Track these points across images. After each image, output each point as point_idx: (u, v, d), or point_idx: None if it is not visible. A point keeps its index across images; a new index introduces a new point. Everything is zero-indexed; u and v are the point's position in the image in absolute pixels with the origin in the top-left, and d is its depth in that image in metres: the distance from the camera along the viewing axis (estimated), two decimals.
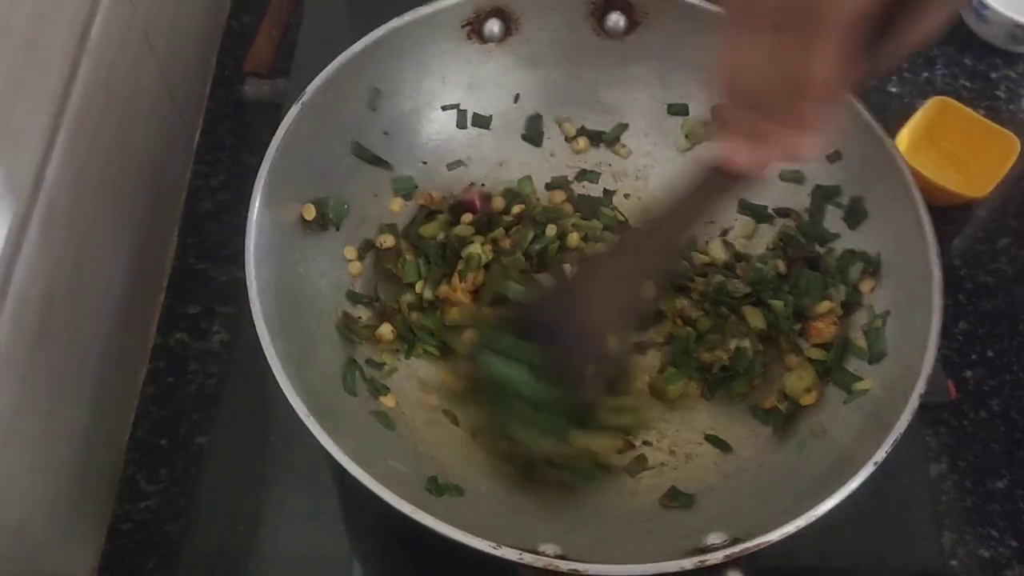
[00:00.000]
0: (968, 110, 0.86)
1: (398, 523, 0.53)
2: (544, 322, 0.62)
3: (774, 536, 0.53)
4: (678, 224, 0.59)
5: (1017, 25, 0.91)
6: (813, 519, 0.53)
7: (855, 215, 0.71)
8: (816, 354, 0.68)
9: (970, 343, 0.80)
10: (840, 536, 0.68)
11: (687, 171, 0.58)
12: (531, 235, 0.72)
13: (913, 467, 0.72)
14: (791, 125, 0.49)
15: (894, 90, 0.93)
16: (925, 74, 0.94)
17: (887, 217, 0.69)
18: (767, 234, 0.75)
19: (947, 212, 0.84)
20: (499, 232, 0.73)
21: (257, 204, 0.62)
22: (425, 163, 0.77)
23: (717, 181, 0.56)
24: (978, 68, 0.95)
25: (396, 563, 0.70)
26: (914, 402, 0.57)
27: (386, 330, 0.70)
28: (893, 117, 0.87)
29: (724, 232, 0.77)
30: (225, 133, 0.88)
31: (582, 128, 0.79)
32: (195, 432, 0.74)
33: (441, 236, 0.73)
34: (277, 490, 0.71)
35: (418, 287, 0.72)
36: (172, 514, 0.71)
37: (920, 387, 0.58)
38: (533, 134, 0.79)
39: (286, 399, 0.56)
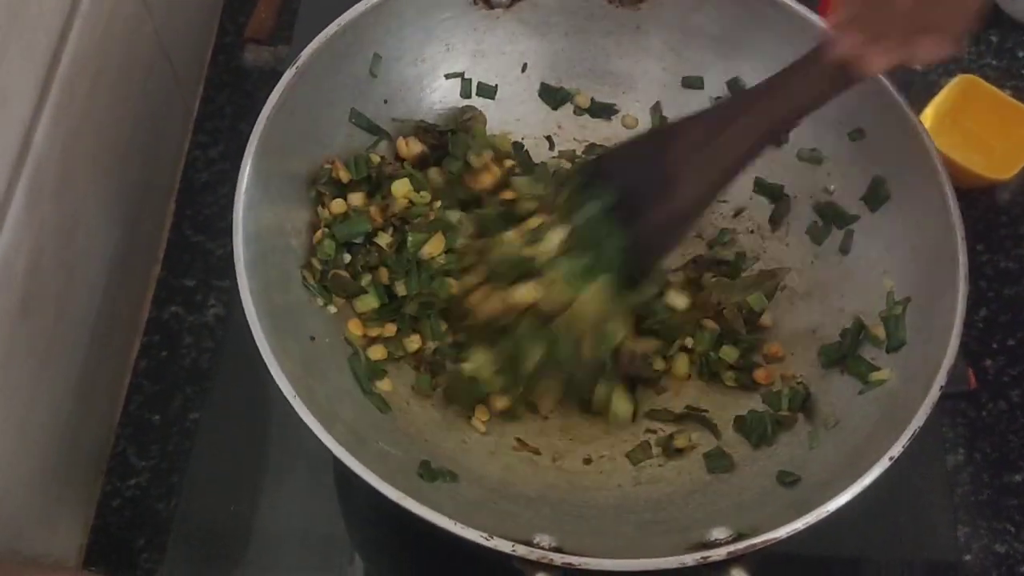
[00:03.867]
0: (994, 89, 0.84)
1: (392, 505, 0.52)
2: (630, 163, 0.62)
3: (781, 533, 0.51)
4: (778, 107, 0.58)
5: None
6: (823, 515, 0.51)
7: (876, 196, 0.69)
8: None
9: (990, 331, 0.78)
10: (851, 526, 0.66)
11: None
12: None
13: (929, 458, 0.71)
14: (927, 28, 0.49)
15: (918, 67, 0.90)
16: None
17: (911, 199, 0.67)
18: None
19: (969, 194, 0.81)
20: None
21: (247, 173, 0.60)
22: None
23: (831, 77, 0.55)
24: (1005, 46, 0.92)
25: (391, 544, 0.69)
26: (934, 394, 0.55)
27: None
28: (917, 96, 0.84)
29: (738, 212, 0.75)
30: (224, 101, 0.86)
31: (592, 100, 0.77)
32: (188, 408, 0.73)
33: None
34: (271, 468, 0.70)
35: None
36: (163, 491, 0.70)
37: (941, 379, 0.56)
38: (549, 98, 0.77)
39: (277, 382, 0.55)
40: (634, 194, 0.61)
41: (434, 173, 0.72)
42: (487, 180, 0.72)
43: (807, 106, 0.58)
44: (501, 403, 0.66)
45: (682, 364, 0.69)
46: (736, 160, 0.61)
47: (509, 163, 0.74)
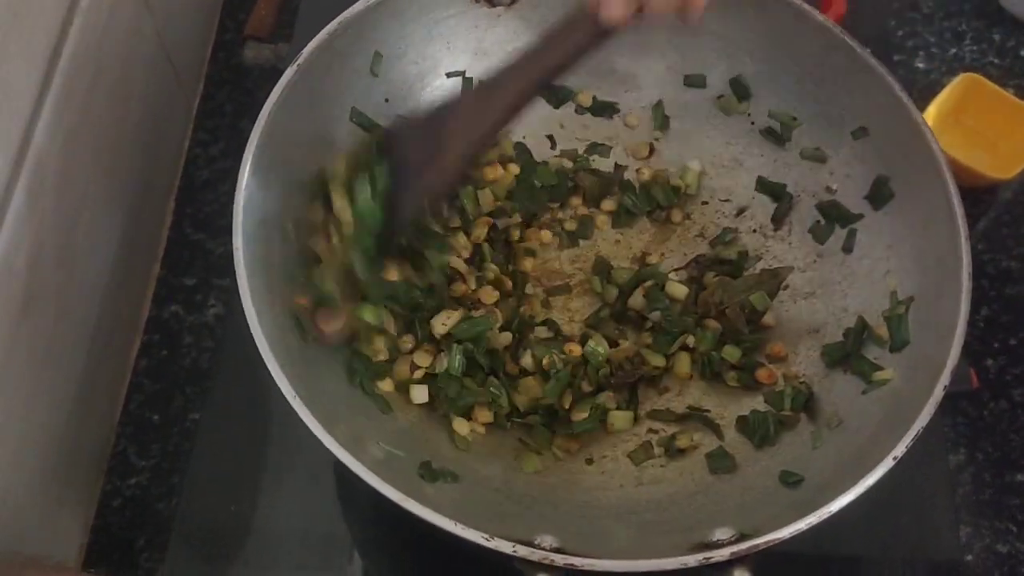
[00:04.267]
0: (997, 88, 0.83)
1: (393, 505, 0.52)
2: (403, 142, 0.62)
3: (784, 533, 0.50)
4: (536, 71, 0.60)
5: None
6: (826, 516, 0.51)
7: (880, 195, 0.69)
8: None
9: (992, 330, 0.78)
10: (853, 526, 0.66)
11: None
12: None
13: (932, 458, 0.70)
14: None
15: (921, 66, 0.90)
16: (953, 50, 0.91)
17: (915, 198, 0.66)
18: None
19: (971, 193, 0.81)
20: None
21: (247, 171, 0.60)
22: None
23: (583, 32, 0.57)
24: (1007, 44, 0.92)
25: (392, 543, 0.69)
26: (938, 394, 0.55)
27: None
28: (919, 94, 0.84)
29: (740, 211, 0.75)
30: (225, 99, 0.86)
31: (594, 98, 0.77)
32: (189, 408, 0.73)
33: None
34: (271, 468, 0.70)
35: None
36: (164, 491, 0.70)
37: (945, 379, 0.55)
38: (551, 97, 0.77)
39: (277, 382, 0.54)
40: (406, 172, 0.61)
41: None
42: (492, 177, 0.72)
43: (571, 56, 0.60)
44: (484, 416, 0.65)
45: (684, 363, 0.69)
46: (504, 113, 0.62)
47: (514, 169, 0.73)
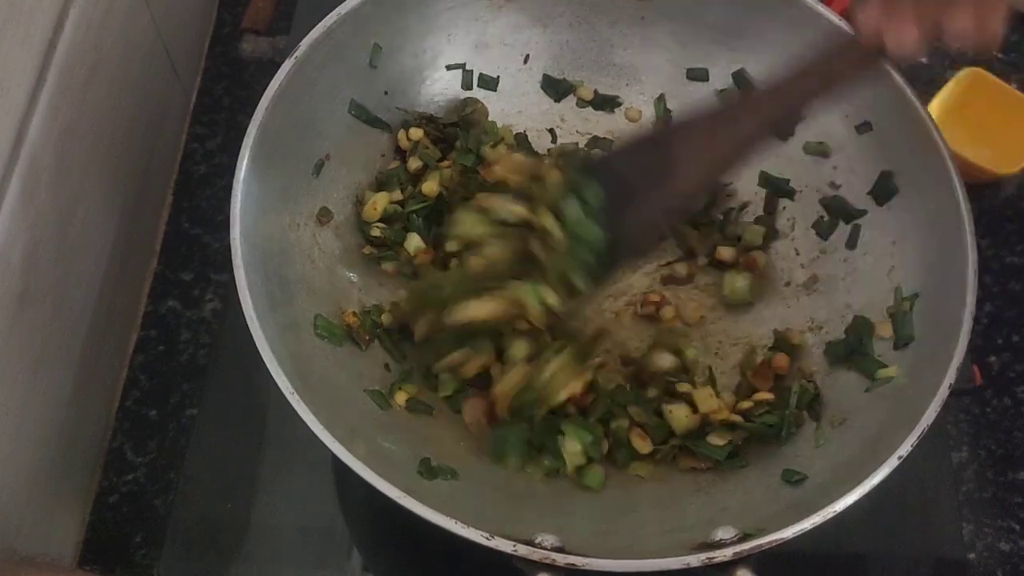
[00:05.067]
0: (1001, 82, 0.83)
1: (391, 503, 0.51)
2: (623, 168, 0.60)
3: (788, 533, 0.50)
4: (798, 95, 0.56)
5: None
6: (831, 516, 0.50)
7: (884, 191, 0.68)
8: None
9: (995, 327, 0.77)
10: (857, 524, 0.66)
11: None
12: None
13: (935, 455, 0.70)
14: (960, 6, 0.47)
15: (924, 60, 0.89)
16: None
17: (920, 194, 0.66)
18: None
19: (974, 188, 0.80)
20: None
21: (245, 164, 0.59)
22: None
23: (854, 59, 0.53)
24: (1012, 39, 0.90)
25: (390, 541, 0.69)
26: (943, 393, 0.54)
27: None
28: (923, 88, 0.83)
29: (743, 206, 0.74)
30: (222, 93, 0.85)
31: (595, 92, 0.76)
32: (185, 403, 0.72)
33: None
34: (268, 465, 0.69)
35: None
36: (160, 487, 0.70)
37: (951, 376, 0.55)
38: (552, 90, 0.76)
39: (274, 377, 0.54)
40: (627, 192, 0.59)
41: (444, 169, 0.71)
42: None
43: (828, 86, 0.56)
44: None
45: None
46: (737, 149, 0.59)
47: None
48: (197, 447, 0.70)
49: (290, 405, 0.54)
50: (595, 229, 0.59)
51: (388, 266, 0.69)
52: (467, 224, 0.62)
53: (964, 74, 0.82)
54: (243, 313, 0.56)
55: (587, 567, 0.48)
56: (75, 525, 0.68)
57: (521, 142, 0.75)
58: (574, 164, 0.62)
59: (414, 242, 0.69)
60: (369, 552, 0.68)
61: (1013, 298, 0.79)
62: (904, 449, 0.52)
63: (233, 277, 0.57)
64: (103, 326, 0.70)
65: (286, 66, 0.63)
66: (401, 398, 0.64)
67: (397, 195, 0.70)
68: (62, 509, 0.67)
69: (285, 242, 0.63)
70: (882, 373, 0.62)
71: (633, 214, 0.59)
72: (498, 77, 0.75)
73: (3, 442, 0.58)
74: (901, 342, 0.62)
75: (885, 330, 0.64)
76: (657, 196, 0.59)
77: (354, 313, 0.66)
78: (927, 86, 0.84)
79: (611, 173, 0.60)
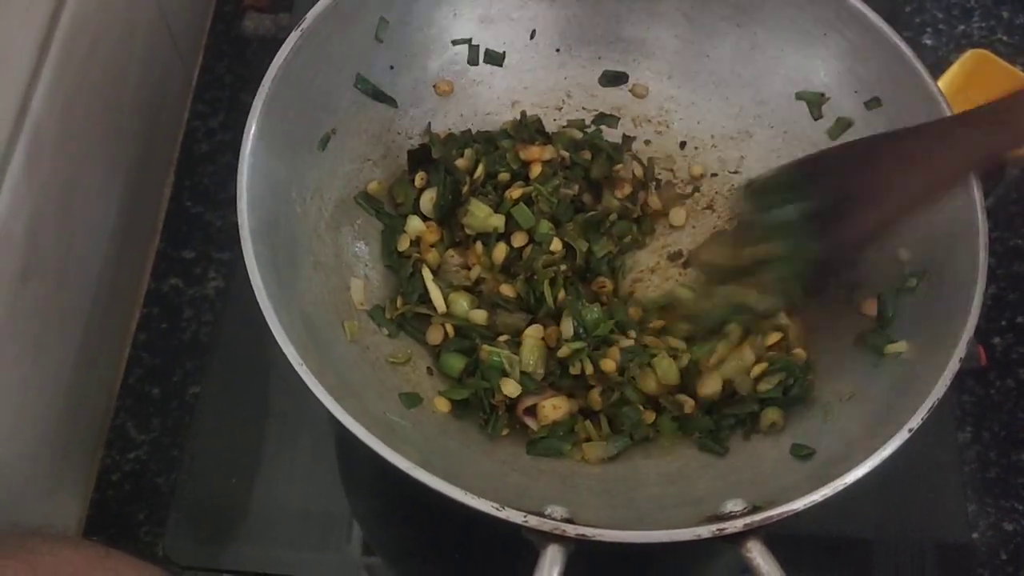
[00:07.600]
0: (1006, 64, 0.82)
1: (398, 478, 0.51)
2: (835, 171, 0.59)
3: (798, 505, 0.49)
4: (987, 144, 0.55)
5: None
6: (841, 488, 0.50)
7: None
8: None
9: (999, 308, 0.77)
10: (861, 501, 0.65)
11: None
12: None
13: (941, 434, 0.70)
14: None
15: (929, 43, 0.89)
16: (961, 27, 0.90)
17: None
18: None
19: None
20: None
21: (251, 139, 0.58)
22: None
23: None
24: (1016, 21, 0.91)
25: (396, 519, 0.69)
26: (954, 365, 0.54)
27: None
28: (927, 70, 0.83)
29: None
30: (224, 71, 0.85)
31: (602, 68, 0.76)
32: (188, 381, 0.72)
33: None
34: (272, 442, 0.69)
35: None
36: (163, 465, 0.69)
37: (961, 350, 0.54)
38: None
39: (283, 348, 0.53)
40: (834, 205, 0.58)
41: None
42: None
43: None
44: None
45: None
46: (946, 181, 0.57)
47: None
48: (200, 425, 0.70)
49: (293, 382, 0.52)
50: (802, 235, 0.59)
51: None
52: (480, 216, 0.66)
53: (969, 56, 0.82)
54: (246, 291, 0.55)
55: (598, 538, 0.48)
56: (78, 502, 0.68)
57: (525, 120, 0.74)
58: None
59: (414, 224, 0.69)
60: (372, 530, 0.68)
61: (1017, 280, 0.79)
62: (915, 422, 0.52)
63: (235, 256, 0.57)
64: (105, 303, 0.69)
65: (292, 38, 0.62)
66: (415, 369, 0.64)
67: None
68: (65, 486, 0.66)
69: (292, 215, 0.62)
70: (890, 348, 0.61)
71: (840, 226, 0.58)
72: (504, 52, 0.74)
73: (5, 419, 0.57)
74: (909, 319, 0.62)
75: (893, 307, 0.63)
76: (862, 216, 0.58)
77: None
78: (932, 68, 0.83)
79: (819, 181, 0.59)
